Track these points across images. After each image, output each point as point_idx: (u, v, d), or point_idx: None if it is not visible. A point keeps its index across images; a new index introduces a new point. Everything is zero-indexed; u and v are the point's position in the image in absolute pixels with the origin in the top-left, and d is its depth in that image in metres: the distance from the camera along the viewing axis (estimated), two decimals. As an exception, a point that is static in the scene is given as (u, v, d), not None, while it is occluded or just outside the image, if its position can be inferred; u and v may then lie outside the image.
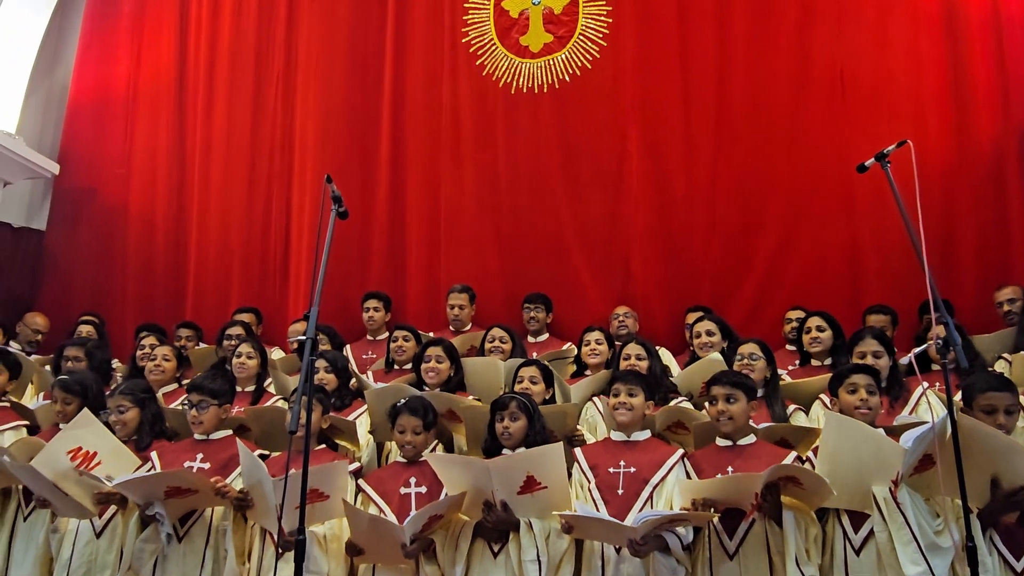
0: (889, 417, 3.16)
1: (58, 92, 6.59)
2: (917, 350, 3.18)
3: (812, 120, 5.08)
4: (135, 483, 2.87)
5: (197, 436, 3.25)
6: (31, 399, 4.32)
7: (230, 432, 3.30)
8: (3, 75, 5.84)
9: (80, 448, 2.99)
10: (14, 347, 4.71)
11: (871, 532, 2.63)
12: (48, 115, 6.54)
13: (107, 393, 3.70)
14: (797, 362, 4.16)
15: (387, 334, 4.85)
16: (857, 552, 2.66)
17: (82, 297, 5.93)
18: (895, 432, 2.77)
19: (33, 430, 3.67)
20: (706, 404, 3.01)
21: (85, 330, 5.00)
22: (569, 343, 4.73)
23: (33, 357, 4.77)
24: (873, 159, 2.80)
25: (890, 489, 2.57)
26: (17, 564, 3.22)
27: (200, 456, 3.16)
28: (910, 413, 3.24)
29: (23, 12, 5.97)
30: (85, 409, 3.17)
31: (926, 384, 3.35)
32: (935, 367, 3.67)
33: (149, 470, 3.13)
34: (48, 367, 4.44)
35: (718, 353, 3.87)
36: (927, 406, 3.21)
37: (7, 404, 3.75)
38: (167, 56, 6.38)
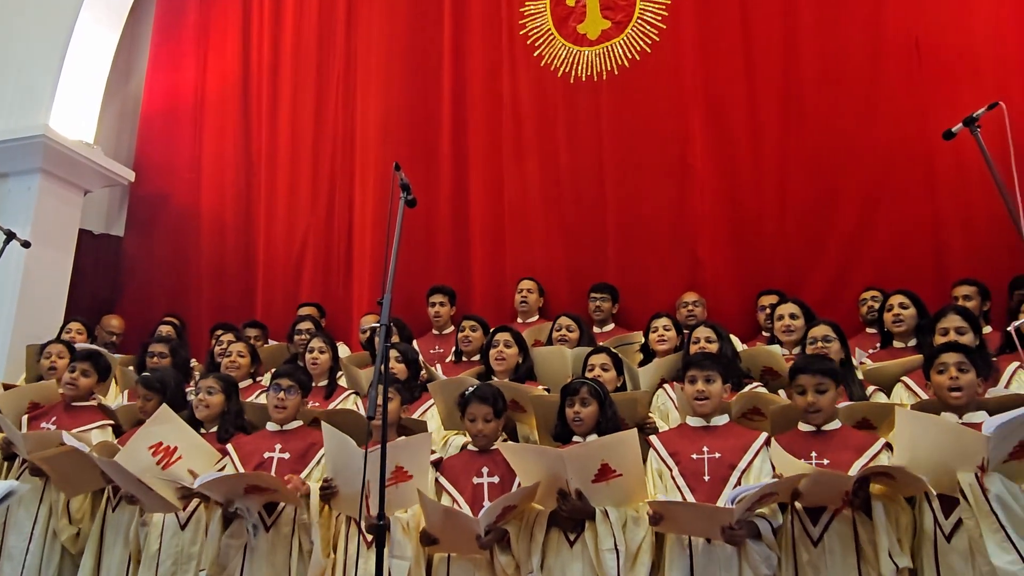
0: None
1: (132, 102, 6.82)
2: (1016, 324, 2.98)
3: (887, 92, 4.81)
4: (215, 483, 2.89)
5: (273, 427, 3.29)
6: (115, 397, 4.44)
7: (302, 423, 3.34)
8: (81, 87, 6.05)
9: (161, 443, 3.04)
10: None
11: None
12: (123, 124, 6.79)
13: (187, 390, 3.84)
14: (878, 345, 3.99)
15: (453, 328, 4.85)
16: (948, 538, 2.53)
17: (159, 299, 6.11)
18: (987, 406, 2.61)
19: (118, 429, 3.78)
20: (794, 394, 2.88)
21: (165, 330, 5.11)
22: (637, 332, 4.63)
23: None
24: (961, 124, 2.66)
25: (976, 475, 2.41)
26: (108, 551, 3.33)
27: (279, 446, 3.20)
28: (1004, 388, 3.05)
29: (97, 27, 6.17)
30: (164, 405, 3.23)
31: (1017, 363, 3.13)
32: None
33: (223, 468, 3.15)
34: (131, 367, 4.59)
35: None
36: (1019, 384, 3.01)
37: (95, 403, 3.88)
38: (231, 62, 6.53)
